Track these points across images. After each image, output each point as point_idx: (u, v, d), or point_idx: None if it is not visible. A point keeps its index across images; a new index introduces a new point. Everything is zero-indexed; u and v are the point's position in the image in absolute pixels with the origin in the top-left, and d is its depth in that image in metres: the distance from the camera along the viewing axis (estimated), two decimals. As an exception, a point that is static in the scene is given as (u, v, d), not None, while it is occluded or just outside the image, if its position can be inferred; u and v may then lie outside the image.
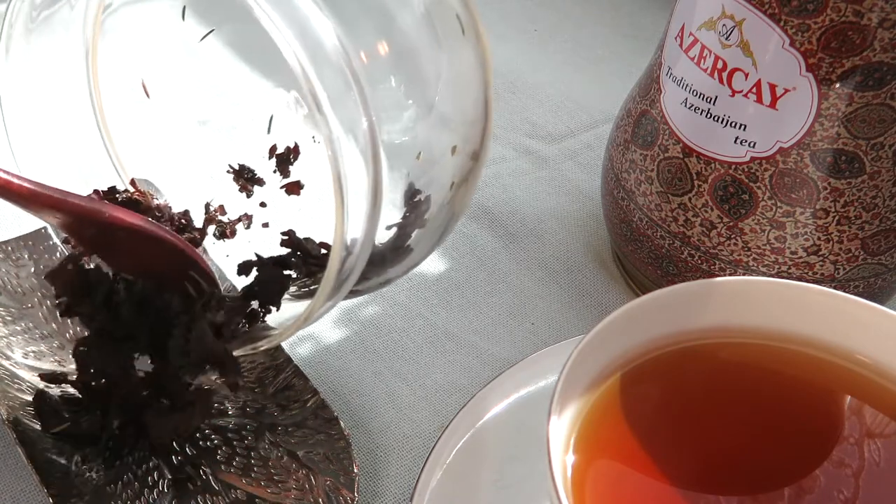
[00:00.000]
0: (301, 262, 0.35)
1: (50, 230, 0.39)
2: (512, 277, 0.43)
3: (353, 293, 0.32)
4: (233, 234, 0.38)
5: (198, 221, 0.37)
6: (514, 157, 0.49)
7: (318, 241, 0.35)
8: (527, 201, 0.46)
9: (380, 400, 0.37)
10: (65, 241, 0.38)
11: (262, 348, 0.32)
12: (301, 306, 0.32)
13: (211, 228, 0.37)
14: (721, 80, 0.34)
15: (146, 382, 0.33)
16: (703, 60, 0.34)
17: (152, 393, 0.33)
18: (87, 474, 0.32)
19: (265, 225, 0.38)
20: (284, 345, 0.36)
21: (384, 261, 0.31)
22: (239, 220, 0.38)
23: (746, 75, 0.33)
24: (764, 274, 0.36)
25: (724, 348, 0.30)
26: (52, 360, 0.35)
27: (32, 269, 0.38)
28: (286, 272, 0.34)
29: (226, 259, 0.37)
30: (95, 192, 0.35)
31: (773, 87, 0.33)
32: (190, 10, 0.35)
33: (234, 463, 0.33)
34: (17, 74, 0.33)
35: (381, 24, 0.29)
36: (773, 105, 0.33)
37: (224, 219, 0.38)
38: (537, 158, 0.49)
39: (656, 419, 0.29)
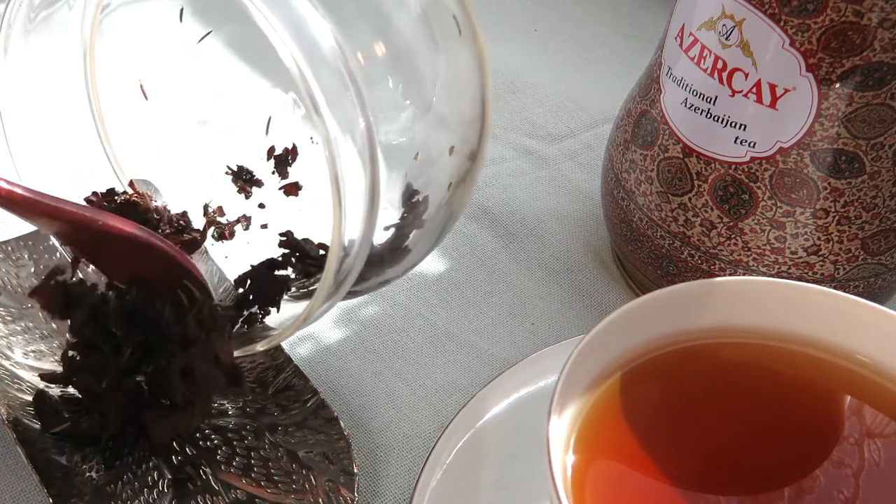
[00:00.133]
0: (299, 263, 0.35)
1: (50, 231, 0.39)
2: (512, 277, 0.42)
3: (351, 294, 0.32)
4: (231, 235, 0.38)
5: (196, 222, 0.37)
6: (514, 157, 0.49)
7: (316, 242, 0.35)
8: (527, 201, 0.46)
9: (380, 400, 0.37)
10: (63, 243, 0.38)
11: (261, 348, 0.32)
12: (300, 307, 0.32)
13: (210, 230, 0.37)
14: (721, 80, 0.34)
15: (146, 383, 0.33)
16: (703, 60, 0.34)
17: (152, 393, 0.33)
18: (87, 474, 0.32)
19: (264, 226, 0.38)
20: (284, 345, 0.36)
21: (382, 261, 0.31)
22: (238, 221, 0.38)
23: (746, 75, 0.33)
24: (764, 274, 0.36)
25: (724, 348, 0.30)
26: (52, 360, 0.35)
27: (32, 269, 0.38)
28: (281, 273, 0.34)
29: (224, 260, 0.37)
30: (94, 193, 0.35)
31: (773, 87, 0.33)
32: (188, 11, 0.35)
33: (234, 463, 0.33)
34: (15, 75, 0.33)
35: (377, 25, 0.29)
36: (773, 105, 0.33)
37: (223, 220, 0.38)
38: (537, 158, 0.49)
39: (656, 419, 0.29)
